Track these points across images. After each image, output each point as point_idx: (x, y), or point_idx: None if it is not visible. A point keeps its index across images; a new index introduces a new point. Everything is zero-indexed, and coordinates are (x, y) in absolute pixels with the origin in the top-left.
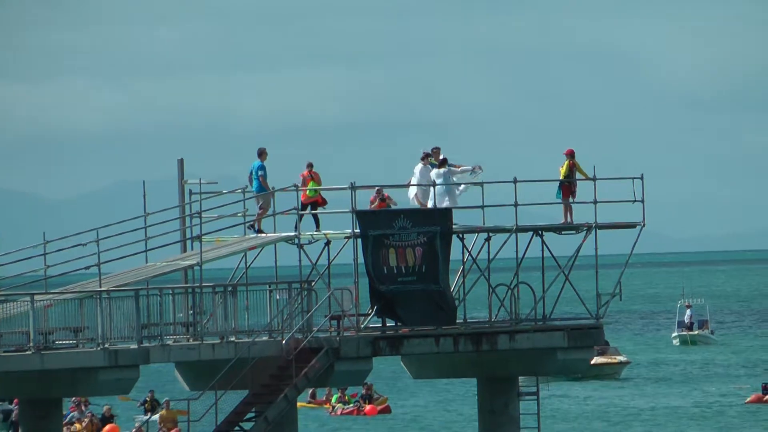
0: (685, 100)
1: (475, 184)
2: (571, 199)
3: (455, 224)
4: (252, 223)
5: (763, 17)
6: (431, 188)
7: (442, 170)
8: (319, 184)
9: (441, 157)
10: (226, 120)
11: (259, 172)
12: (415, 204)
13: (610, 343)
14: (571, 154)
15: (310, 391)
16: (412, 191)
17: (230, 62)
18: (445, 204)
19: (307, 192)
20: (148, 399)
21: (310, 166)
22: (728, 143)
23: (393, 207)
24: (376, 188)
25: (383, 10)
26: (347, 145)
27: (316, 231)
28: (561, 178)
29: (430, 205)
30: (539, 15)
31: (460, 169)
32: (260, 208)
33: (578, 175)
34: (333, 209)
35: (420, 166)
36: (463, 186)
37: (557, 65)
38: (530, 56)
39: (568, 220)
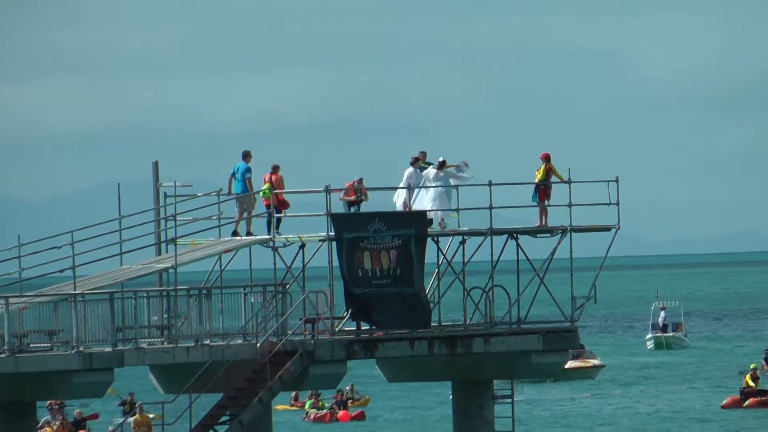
0: (658, 102)
1: (469, 185)
2: (547, 202)
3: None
4: (236, 227)
5: (753, 18)
6: (425, 191)
7: (441, 173)
8: (281, 188)
9: (440, 159)
10: (201, 122)
11: (247, 174)
12: (400, 208)
13: (585, 346)
14: (546, 158)
15: (293, 393)
16: (401, 196)
17: (204, 63)
18: (438, 205)
19: (261, 194)
20: (127, 400)
21: (274, 168)
22: (702, 146)
23: (363, 201)
24: (357, 179)
25: (360, 12)
26: (323, 146)
27: (276, 233)
28: (537, 181)
29: (424, 207)
30: (521, 16)
31: (452, 169)
32: (243, 210)
33: (555, 179)
34: (308, 212)
35: (410, 170)
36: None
37: (536, 67)
38: (509, 57)
39: (544, 223)
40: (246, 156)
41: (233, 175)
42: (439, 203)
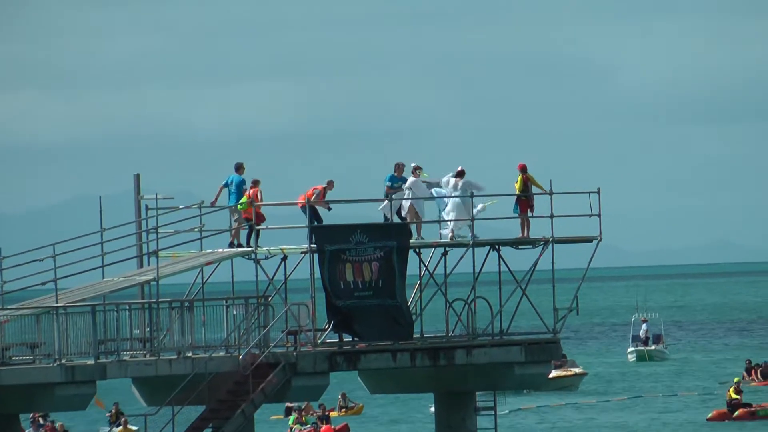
0: (637, 113)
1: (489, 201)
2: (530, 213)
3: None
4: (232, 238)
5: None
6: (440, 201)
7: (460, 182)
8: (259, 202)
9: (459, 168)
10: (180, 134)
11: (243, 187)
12: (394, 217)
13: (567, 355)
14: (523, 169)
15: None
16: (406, 204)
17: (182, 76)
18: (457, 215)
19: (239, 207)
20: (113, 411)
21: (254, 182)
22: (682, 157)
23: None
24: (329, 181)
25: (332, 23)
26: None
27: (247, 245)
28: (517, 193)
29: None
30: (498, 25)
31: (477, 188)
32: (238, 222)
33: (536, 189)
34: (290, 224)
35: (412, 179)
36: (480, 205)
37: (514, 76)
38: (483, 67)
39: (526, 234)
40: (239, 168)
41: (226, 185)
42: (457, 213)
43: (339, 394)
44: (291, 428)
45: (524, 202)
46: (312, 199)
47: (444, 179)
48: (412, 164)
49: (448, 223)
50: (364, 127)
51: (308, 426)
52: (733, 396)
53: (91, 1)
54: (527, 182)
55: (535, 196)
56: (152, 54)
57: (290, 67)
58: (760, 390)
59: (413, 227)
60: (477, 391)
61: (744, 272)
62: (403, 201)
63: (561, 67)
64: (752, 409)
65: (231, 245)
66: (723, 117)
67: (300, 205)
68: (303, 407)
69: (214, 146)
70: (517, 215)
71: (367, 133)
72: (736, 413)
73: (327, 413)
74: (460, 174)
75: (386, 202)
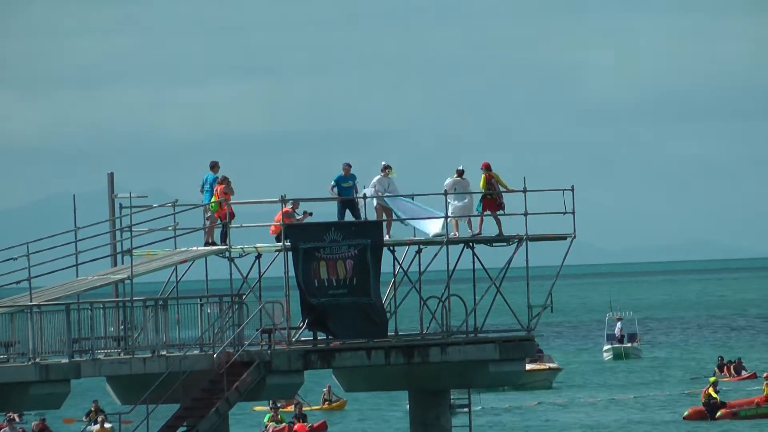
0: (611, 113)
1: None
2: (501, 213)
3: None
4: (207, 237)
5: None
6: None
7: (462, 180)
8: (227, 198)
9: (459, 168)
10: (153, 133)
11: (215, 185)
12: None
13: (543, 350)
14: (486, 167)
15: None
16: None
17: (154, 75)
18: (461, 212)
19: (212, 207)
20: (92, 409)
21: (219, 181)
22: (655, 156)
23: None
24: (295, 202)
25: (306, 23)
26: (272, 156)
27: (222, 244)
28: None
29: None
30: (471, 28)
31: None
32: (211, 220)
33: (514, 187)
34: (263, 222)
35: (379, 176)
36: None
37: (483, 77)
38: (455, 68)
39: (499, 232)
40: (213, 166)
41: (203, 185)
42: (460, 211)
43: (325, 387)
44: (266, 426)
45: (489, 200)
46: (282, 222)
47: (447, 182)
48: (383, 163)
49: (452, 221)
50: (338, 126)
51: (283, 424)
52: (713, 395)
53: (65, 2)
54: (491, 180)
55: (505, 194)
56: (125, 54)
57: (263, 67)
58: (732, 388)
59: (384, 226)
60: (451, 389)
61: (718, 269)
62: (373, 199)
63: (536, 67)
64: (734, 410)
65: (207, 244)
66: (698, 116)
67: (272, 231)
68: (282, 405)
69: (187, 146)
70: (478, 213)
71: (341, 133)
72: (718, 414)
73: (301, 412)
74: (461, 173)
75: (368, 190)
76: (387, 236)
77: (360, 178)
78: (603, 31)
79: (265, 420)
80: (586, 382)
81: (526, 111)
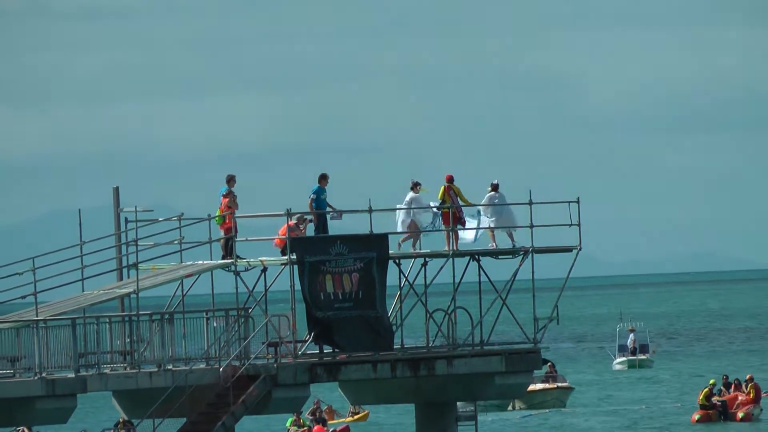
0: (615, 124)
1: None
2: (459, 226)
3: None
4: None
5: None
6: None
7: (497, 194)
8: (229, 211)
9: (494, 182)
10: (155, 148)
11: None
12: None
13: (556, 368)
14: (449, 180)
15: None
16: (402, 219)
17: (154, 89)
18: (497, 223)
19: (216, 220)
20: (120, 421)
21: (227, 194)
22: (660, 168)
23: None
24: (300, 217)
25: (305, 36)
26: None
27: (237, 257)
28: (439, 203)
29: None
30: (471, 39)
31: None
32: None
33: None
34: (269, 236)
35: (411, 194)
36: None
37: (484, 90)
38: (456, 81)
39: (454, 247)
40: (229, 180)
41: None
42: (497, 221)
43: (314, 401)
44: (288, 430)
45: (446, 214)
46: (287, 235)
47: (487, 196)
48: (412, 180)
49: (488, 232)
50: (339, 140)
51: (304, 428)
52: (718, 396)
53: (63, 17)
54: (449, 192)
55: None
56: (126, 69)
57: (266, 80)
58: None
59: (410, 241)
60: (457, 402)
61: (724, 281)
62: (402, 215)
63: (537, 79)
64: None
65: (224, 257)
66: (701, 128)
67: (276, 244)
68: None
69: (192, 160)
70: (442, 229)
71: (344, 147)
72: (741, 416)
73: (320, 415)
74: (495, 188)
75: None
76: (414, 249)
77: (366, 192)
78: (603, 43)
79: (287, 424)
80: (594, 392)
81: (530, 122)
